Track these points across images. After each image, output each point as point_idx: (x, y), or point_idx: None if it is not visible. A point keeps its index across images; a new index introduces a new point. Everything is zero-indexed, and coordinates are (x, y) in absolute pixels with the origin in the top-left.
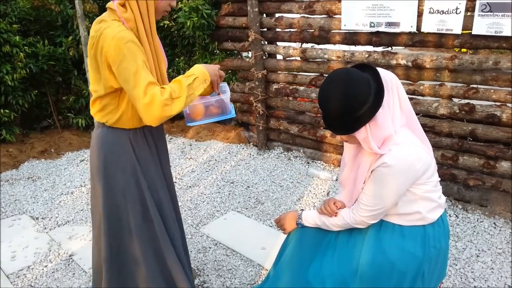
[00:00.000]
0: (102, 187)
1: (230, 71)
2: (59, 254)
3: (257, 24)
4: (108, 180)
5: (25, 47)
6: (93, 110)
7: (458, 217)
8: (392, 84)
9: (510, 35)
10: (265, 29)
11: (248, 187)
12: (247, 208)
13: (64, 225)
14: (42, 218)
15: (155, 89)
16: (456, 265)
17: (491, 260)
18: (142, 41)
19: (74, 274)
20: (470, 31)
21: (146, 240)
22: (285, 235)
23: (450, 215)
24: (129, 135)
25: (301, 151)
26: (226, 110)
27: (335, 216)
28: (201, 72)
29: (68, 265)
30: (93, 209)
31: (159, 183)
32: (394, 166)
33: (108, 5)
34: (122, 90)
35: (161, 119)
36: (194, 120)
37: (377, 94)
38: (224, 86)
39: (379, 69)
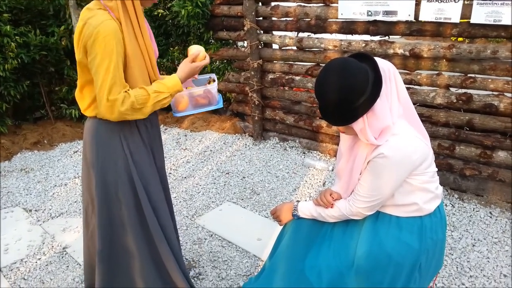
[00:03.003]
0: (94, 179)
1: (225, 61)
2: (52, 246)
3: (253, 13)
4: (100, 172)
5: (17, 37)
6: (82, 106)
7: (454, 207)
8: (390, 73)
9: (509, 23)
10: (261, 18)
11: (244, 177)
12: (242, 199)
13: (57, 217)
14: (36, 210)
15: (119, 95)
16: (452, 254)
17: (487, 249)
18: (125, 31)
19: (68, 266)
20: (468, 20)
21: (139, 232)
22: (281, 227)
23: (446, 205)
24: (121, 126)
25: (297, 141)
26: (214, 101)
27: (331, 207)
28: (175, 90)
29: (62, 257)
30: (84, 203)
31: (151, 175)
32: (391, 157)
33: None
34: None
35: (119, 120)
36: (179, 111)
37: (375, 84)
38: (213, 76)
39: (377, 59)
